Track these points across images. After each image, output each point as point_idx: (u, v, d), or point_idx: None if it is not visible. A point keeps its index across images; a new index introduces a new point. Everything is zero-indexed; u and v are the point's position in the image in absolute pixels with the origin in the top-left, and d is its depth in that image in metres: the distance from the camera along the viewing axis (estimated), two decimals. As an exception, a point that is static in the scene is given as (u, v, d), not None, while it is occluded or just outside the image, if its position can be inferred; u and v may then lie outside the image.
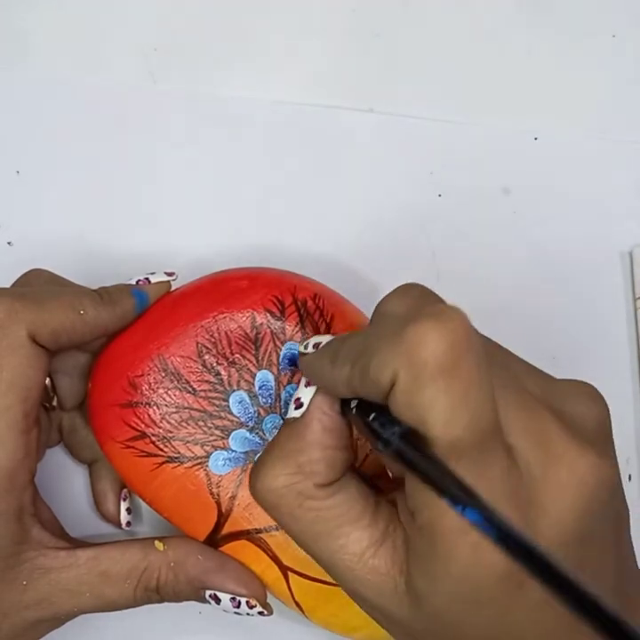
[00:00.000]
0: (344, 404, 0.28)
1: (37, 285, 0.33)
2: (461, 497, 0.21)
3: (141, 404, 0.32)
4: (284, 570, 0.33)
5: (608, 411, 0.27)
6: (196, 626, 0.37)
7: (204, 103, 0.40)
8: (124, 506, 0.36)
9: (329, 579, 0.33)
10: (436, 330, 0.23)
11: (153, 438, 0.32)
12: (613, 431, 0.27)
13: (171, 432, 0.32)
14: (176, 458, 0.32)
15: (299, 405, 0.28)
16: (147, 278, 0.34)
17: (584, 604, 0.19)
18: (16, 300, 0.30)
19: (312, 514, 0.27)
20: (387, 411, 0.24)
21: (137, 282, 0.33)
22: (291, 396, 0.33)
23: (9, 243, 0.39)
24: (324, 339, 0.29)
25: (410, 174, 0.41)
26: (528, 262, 0.40)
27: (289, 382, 0.33)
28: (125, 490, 0.36)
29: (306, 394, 0.28)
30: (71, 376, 0.34)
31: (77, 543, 0.32)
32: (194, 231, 0.40)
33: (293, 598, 0.33)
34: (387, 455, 0.23)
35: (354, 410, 0.26)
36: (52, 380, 0.33)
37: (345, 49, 0.42)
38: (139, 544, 0.33)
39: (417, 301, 0.27)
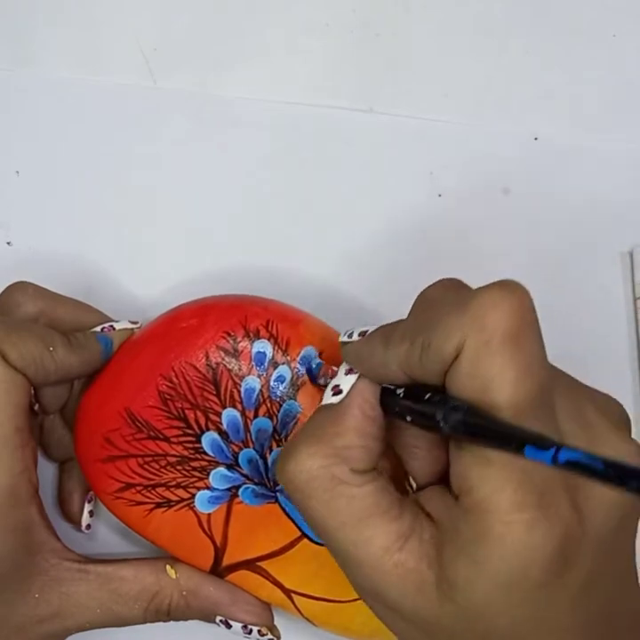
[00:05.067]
0: (385, 393, 0.28)
1: (23, 301, 0.33)
2: (549, 442, 0.21)
3: (119, 457, 0.33)
4: (288, 593, 0.34)
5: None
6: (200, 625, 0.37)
7: (203, 103, 0.40)
8: (87, 508, 0.36)
9: (334, 596, 0.34)
10: (504, 298, 0.24)
11: (138, 488, 0.33)
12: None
13: (153, 480, 0.33)
14: (164, 503, 0.33)
15: (337, 392, 0.28)
16: (111, 325, 0.34)
17: None
18: None
19: (343, 500, 0.26)
20: (437, 392, 0.25)
21: (102, 329, 0.34)
22: (260, 429, 0.33)
23: (8, 243, 0.39)
24: (370, 328, 0.29)
25: (410, 174, 0.41)
26: (528, 262, 0.40)
27: (256, 416, 0.33)
28: (91, 493, 0.36)
29: (346, 381, 0.28)
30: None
31: (88, 558, 0.33)
32: (193, 230, 0.40)
33: (303, 615, 0.34)
34: (446, 432, 0.24)
35: (400, 395, 0.27)
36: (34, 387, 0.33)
37: (345, 49, 0.42)
38: (151, 566, 0.33)
39: (463, 289, 0.28)
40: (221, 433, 0.33)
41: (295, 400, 0.33)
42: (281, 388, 0.33)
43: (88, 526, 0.36)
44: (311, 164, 0.40)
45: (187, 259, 0.39)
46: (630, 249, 0.41)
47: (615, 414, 0.27)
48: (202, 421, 0.33)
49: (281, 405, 0.33)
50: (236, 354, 0.32)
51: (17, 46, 0.40)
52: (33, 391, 0.33)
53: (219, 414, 0.33)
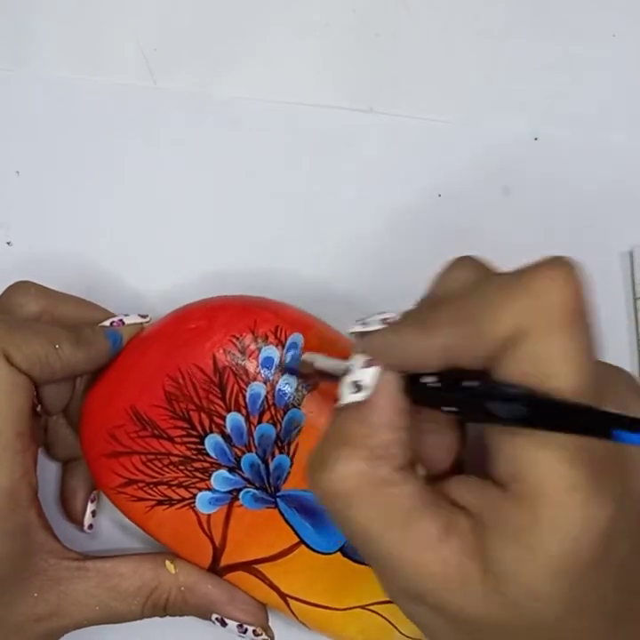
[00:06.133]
0: (412, 382, 0.26)
1: (25, 302, 0.33)
2: (625, 422, 0.20)
3: (123, 453, 0.33)
4: (284, 597, 0.34)
5: None
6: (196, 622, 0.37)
7: (203, 103, 0.40)
8: (90, 507, 0.36)
9: (329, 604, 0.34)
10: (562, 276, 0.22)
11: (140, 484, 0.33)
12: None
13: (155, 477, 0.33)
14: (165, 501, 0.33)
15: (358, 388, 0.26)
16: (121, 320, 0.34)
17: None
18: None
19: (389, 501, 0.24)
20: (476, 379, 0.23)
21: (111, 323, 0.33)
22: (263, 434, 0.33)
23: (8, 243, 0.39)
24: (390, 314, 0.27)
25: (410, 174, 0.41)
26: (528, 262, 0.40)
27: (259, 422, 0.33)
28: (95, 492, 0.36)
29: (367, 375, 0.26)
30: (54, 383, 0.33)
31: (87, 555, 0.33)
32: (193, 230, 0.40)
33: (298, 619, 0.34)
34: (505, 421, 0.22)
35: (431, 384, 0.25)
36: (36, 388, 0.33)
37: (345, 49, 0.42)
38: (150, 562, 0.33)
39: (489, 269, 0.26)
40: (225, 436, 0.33)
41: (300, 408, 0.33)
42: (286, 396, 0.33)
43: (90, 526, 0.36)
44: (311, 164, 0.40)
45: (186, 259, 0.39)
46: (630, 249, 0.41)
47: (635, 386, 0.26)
48: (206, 423, 0.33)
49: (285, 413, 0.33)
50: (243, 359, 0.32)
51: (17, 46, 0.40)
52: (35, 393, 0.33)
53: (223, 418, 0.33)
